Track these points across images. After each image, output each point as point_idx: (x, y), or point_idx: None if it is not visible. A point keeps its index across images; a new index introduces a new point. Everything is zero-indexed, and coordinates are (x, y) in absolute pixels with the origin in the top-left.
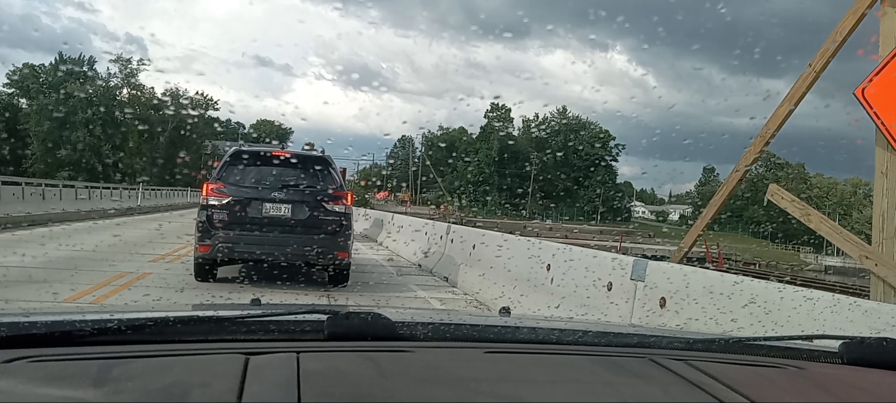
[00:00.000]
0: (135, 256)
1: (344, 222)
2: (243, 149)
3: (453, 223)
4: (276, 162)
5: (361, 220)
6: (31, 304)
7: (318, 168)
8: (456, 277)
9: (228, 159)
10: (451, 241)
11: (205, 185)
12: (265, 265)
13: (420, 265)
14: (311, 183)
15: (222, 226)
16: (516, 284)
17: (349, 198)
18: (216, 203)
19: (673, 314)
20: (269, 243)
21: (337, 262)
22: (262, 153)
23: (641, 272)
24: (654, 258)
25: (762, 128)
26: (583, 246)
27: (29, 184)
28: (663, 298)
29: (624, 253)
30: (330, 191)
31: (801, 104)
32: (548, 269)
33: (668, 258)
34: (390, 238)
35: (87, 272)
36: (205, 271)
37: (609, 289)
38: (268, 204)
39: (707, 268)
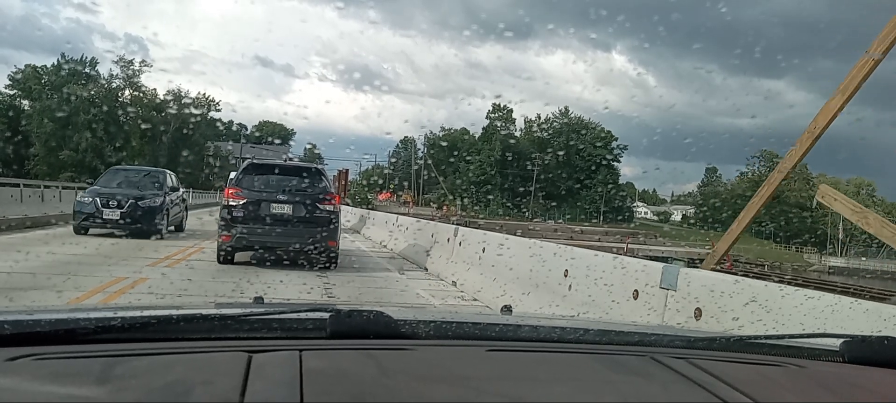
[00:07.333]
0: (136, 259)
1: (333, 218)
2: (255, 162)
3: (460, 224)
4: (278, 171)
5: (368, 224)
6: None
7: (313, 175)
8: (465, 282)
9: (243, 171)
10: (459, 244)
11: (226, 190)
12: (269, 261)
13: (427, 268)
14: (307, 187)
15: (240, 221)
16: (530, 290)
17: (337, 199)
18: (235, 204)
19: (711, 327)
20: (275, 234)
21: (328, 250)
22: (269, 164)
23: (672, 279)
24: (659, 259)
25: (810, 123)
26: (588, 247)
27: (28, 186)
28: (699, 309)
29: (630, 255)
30: (322, 195)
31: (801, 104)
32: (565, 275)
33: (675, 259)
34: (393, 238)
35: (82, 278)
36: (226, 257)
37: (635, 298)
38: (274, 205)
39: (714, 270)
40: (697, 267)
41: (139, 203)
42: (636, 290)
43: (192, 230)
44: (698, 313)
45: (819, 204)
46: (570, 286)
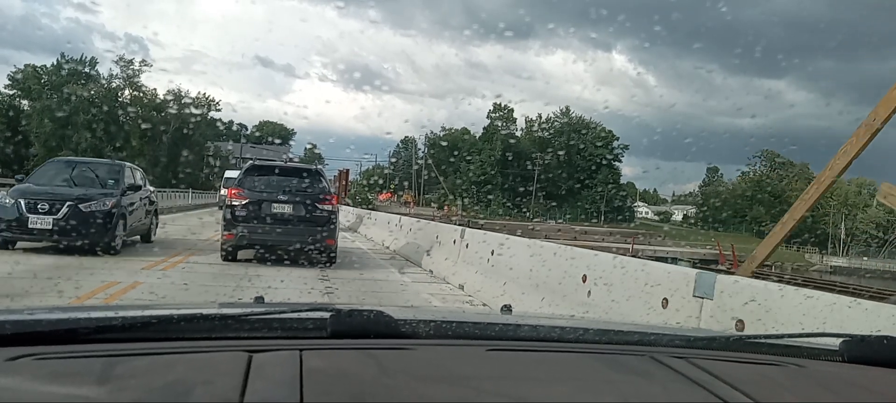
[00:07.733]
0: (131, 261)
1: (332, 218)
2: (256, 163)
3: (465, 225)
4: (278, 172)
5: (368, 224)
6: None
7: (312, 176)
8: (474, 287)
9: (245, 172)
10: (466, 246)
11: (229, 191)
12: (269, 260)
13: (431, 270)
14: (307, 188)
15: (242, 220)
16: (545, 295)
17: (335, 199)
18: (238, 203)
19: None
20: (276, 233)
21: (327, 248)
22: (269, 165)
23: (708, 288)
24: (664, 260)
25: (868, 115)
26: (591, 247)
27: None
28: (740, 321)
29: (635, 256)
30: (321, 195)
31: (802, 104)
32: (583, 281)
33: (681, 260)
34: (394, 238)
35: (83, 279)
36: (229, 254)
37: (664, 307)
38: (275, 204)
39: (720, 271)
40: (723, 272)
41: (81, 206)
42: (665, 298)
43: (176, 239)
44: (740, 325)
45: (880, 204)
46: (589, 292)
